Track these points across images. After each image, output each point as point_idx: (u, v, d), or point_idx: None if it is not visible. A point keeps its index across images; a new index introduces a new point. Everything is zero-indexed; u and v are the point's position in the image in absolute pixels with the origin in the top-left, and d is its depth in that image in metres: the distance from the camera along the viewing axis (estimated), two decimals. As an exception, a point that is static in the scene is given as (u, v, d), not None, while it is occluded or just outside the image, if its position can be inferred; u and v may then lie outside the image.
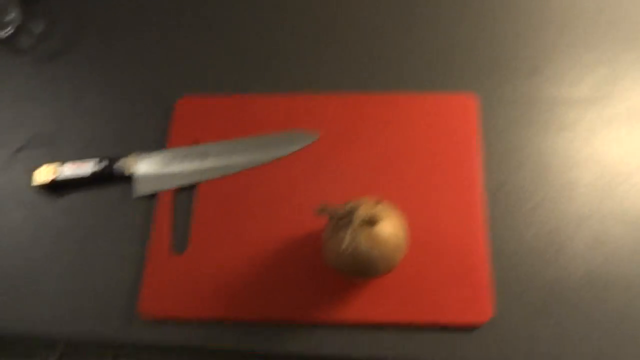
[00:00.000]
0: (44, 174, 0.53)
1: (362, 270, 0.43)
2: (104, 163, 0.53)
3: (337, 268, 0.44)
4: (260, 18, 0.61)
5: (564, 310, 0.46)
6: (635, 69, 0.55)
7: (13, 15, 0.62)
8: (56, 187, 0.53)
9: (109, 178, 0.53)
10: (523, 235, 0.49)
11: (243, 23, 0.61)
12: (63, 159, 0.54)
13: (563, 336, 0.46)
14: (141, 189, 0.52)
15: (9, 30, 0.63)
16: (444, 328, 0.46)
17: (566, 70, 0.56)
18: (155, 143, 0.55)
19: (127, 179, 0.53)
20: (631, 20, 0.58)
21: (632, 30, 0.57)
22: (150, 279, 0.49)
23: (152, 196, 0.53)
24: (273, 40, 0.60)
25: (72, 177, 0.52)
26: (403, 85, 0.57)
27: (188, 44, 0.61)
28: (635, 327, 0.46)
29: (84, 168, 0.53)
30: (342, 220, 0.42)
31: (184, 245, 0.51)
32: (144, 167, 0.53)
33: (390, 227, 0.42)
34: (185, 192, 0.53)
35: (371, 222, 0.41)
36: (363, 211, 0.41)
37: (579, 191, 0.51)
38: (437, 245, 0.49)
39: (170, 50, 0.60)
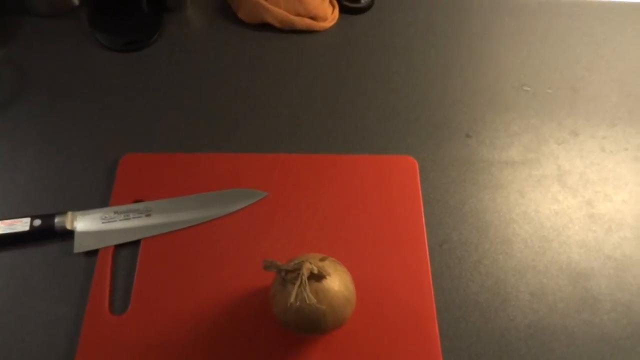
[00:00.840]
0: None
1: (310, 325, 0.42)
2: (40, 220, 0.50)
3: (286, 324, 0.43)
4: (207, 81, 0.63)
5: (512, 361, 0.47)
6: (557, 135, 0.61)
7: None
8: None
9: (47, 235, 0.50)
10: (469, 288, 0.51)
11: (189, 86, 0.63)
12: (-6, 216, 0.51)
13: (512, 389, 0.46)
14: (81, 245, 0.50)
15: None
16: None
17: (496, 136, 0.61)
18: (98, 200, 0.54)
19: (66, 236, 0.51)
20: (551, 93, 0.64)
21: (552, 102, 0.64)
22: (87, 341, 0.45)
23: (92, 253, 0.50)
24: (218, 101, 0.62)
25: (5, 234, 0.49)
26: (345, 148, 0.59)
27: (132, 102, 0.61)
28: (579, 377, 0.47)
29: (17, 225, 0.50)
30: (290, 275, 0.41)
31: (125, 306, 0.48)
32: (85, 223, 0.51)
33: (338, 282, 0.42)
34: (128, 249, 0.51)
35: (319, 276, 0.41)
36: (310, 266, 0.41)
37: (518, 245, 0.53)
38: (384, 301, 0.49)
39: (114, 108, 0.60)
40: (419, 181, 0.56)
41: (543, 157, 0.60)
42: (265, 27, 0.67)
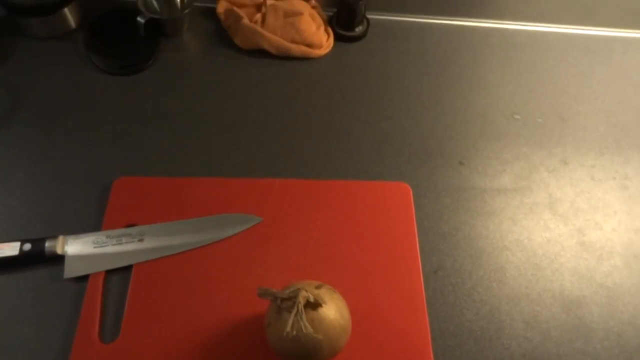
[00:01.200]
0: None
1: (306, 355, 0.41)
2: (30, 244, 0.49)
3: (280, 353, 0.42)
4: (202, 106, 0.64)
5: (507, 391, 0.47)
6: (547, 163, 0.62)
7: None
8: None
9: (37, 259, 0.49)
10: (463, 316, 0.50)
11: (184, 110, 0.63)
12: (-17, 240, 0.50)
13: (508, 420, 0.45)
14: (72, 270, 0.49)
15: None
16: None
17: (488, 163, 0.62)
18: (89, 225, 0.53)
19: (56, 261, 0.50)
20: (541, 122, 0.66)
21: (542, 131, 0.65)
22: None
23: (83, 279, 0.49)
24: (213, 126, 0.62)
25: (-8, 258, 0.48)
26: (339, 174, 0.59)
27: (126, 126, 0.61)
28: (575, 407, 0.47)
29: (6, 250, 0.49)
30: (285, 303, 0.41)
31: (115, 333, 0.47)
32: (76, 247, 0.50)
33: (334, 310, 0.42)
34: (119, 275, 0.50)
35: (315, 304, 0.41)
36: (307, 294, 0.41)
37: (511, 273, 0.54)
38: (379, 328, 0.49)
39: (108, 132, 0.60)
40: (413, 208, 0.56)
41: (534, 184, 0.60)
42: (261, 53, 0.68)
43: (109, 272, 0.50)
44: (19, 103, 0.62)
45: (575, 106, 0.68)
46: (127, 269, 0.50)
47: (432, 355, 0.47)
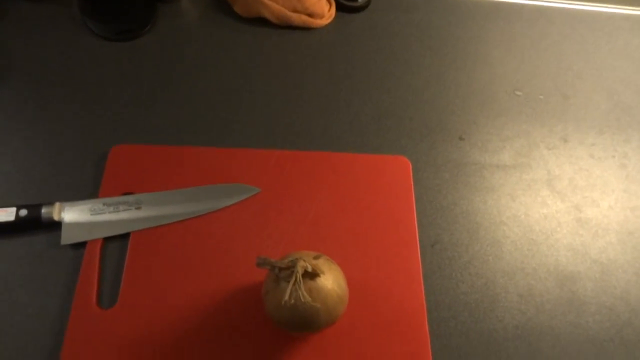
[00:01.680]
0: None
1: (303, 323, 0.42)
2: (27, 210, 0.49)
3: (278, 321, 0.42)
4: (200, 74, 0.63)
5: (500, 362, 0.47)
6: (547, 141, 0.62)
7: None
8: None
9: (34, 225, 0.49)
10: (458, 289, 0.51)
11: (181, 79, 0.62)
12: (-22, 205, 0.49)
13: (500, 389, 0.46)
14: (69, 237, 0.49)
15: None
16: None
17: (488, 139, 0.62)
18: (86, 192, 0.53)
19: (53, 227, 0.49)
20: (542, 99, 0.65)
21: (543, 108, 0.65)
22: (73, 335, 0.44)
23: (80, 245, 0.49)
24: (211, 95, 0.61)
25: (-12, 223, 0.48)
26: (339, 147, 0.59)
27: (122, 93, 0.60)
28: (565, 378, 0.48)
29: (2, 215, 0.48)
30: (283, 272, 0.41)
31: (113, 300, 0.47)
32: (73, 214, 0.50)
33: (332, 280, 0.42)
34: (117, 242, 0.50)
35: (313, 274, 0.41)
36: (305, 263, 0.41)
37: (507, 248, 0.54)
38: (375, 299, 0.49)
39: (104, 98, 0.59)
40: (412, 182, 0.56)
41: (534, 161, 0.60)
42: (261, 22, 0.67)
43: (107, 239, 0.50)
44: (12, 67, 0.60)
45: (578, 84, 0.67)
46: (125, 236, 0.50)
47: (427, 326, 0.48)
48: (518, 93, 0.66)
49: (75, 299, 0.46)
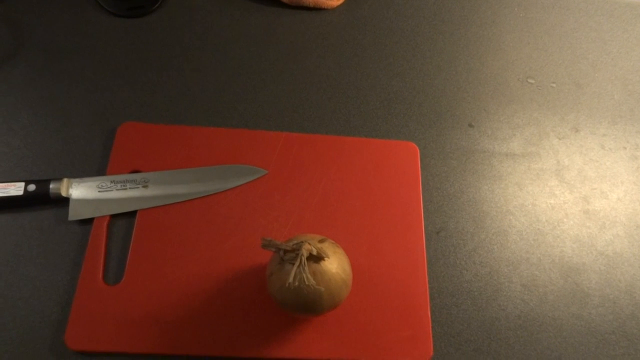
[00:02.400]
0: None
1: (307, 306, 0.42)
2: (35, 185, 0.49)
3: (281, 303, 0.43)
4: (210, 53, 0.62)
5: (502, 350, 0.48)
6: (558, 130, 0.61)
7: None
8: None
9: (41, 201, 0.49)
10: (462, 276, 0.51)
11: (192, 57, 0.62)
12: (-13, 179, 0.50)
13: (500, 377, 0.47)
14: (76, 213, 0.49)
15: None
16: None
17: (498, 127, 0.61)
18: (93, 168, 0.53)
19: (61, 203, 0.50)
20: (555, 87, 0.64)
21: (555, 96, 0.64)
22: (79, 309, 0.45)
23: (87, 222, 0.49)
24: (221, 75, 0.61)
25: (-3, 197, 0.48)
26: (347, 131, 0.59)
27: (132, 70, 0.60)
28: (565, 368, 0.48)
29: (11, 189, 0.49)
30: (288, 254, 0.41)
31: (119, 276, 0.47)
32: (81, 191, 0.50)
33: (336, 264, 0.42)
34: (124, 220, 0.50)
35: (318, 258, 0.41)
36: (310, 246, 0.41)
37: (513, 237, 0.54)
38: (379, 285, 0.49)
39: (113, 75, 0.59)
40: (419, 168, 0.56)
41: (543, 150, 0.60)
42: (272, 1, 0.66)
43: (114, 217, 0.50)
44: (21, 42, 0.60)
45: (591, 72, 0.66)
46: (132, 214, 0.51)
47: (429, 312, 0.48)
48: (530, 80, 0.65)
49: (82, 274, 0.47)
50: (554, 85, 0.65)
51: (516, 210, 0.56)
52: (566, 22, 0.70)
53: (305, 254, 0.40)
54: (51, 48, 0.60)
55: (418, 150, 0.57)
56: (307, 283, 0.39)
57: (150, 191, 0.51)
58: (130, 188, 0.51)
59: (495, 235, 0.54)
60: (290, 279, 0.39)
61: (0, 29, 0.61)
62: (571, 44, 0.68)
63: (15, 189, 0.49)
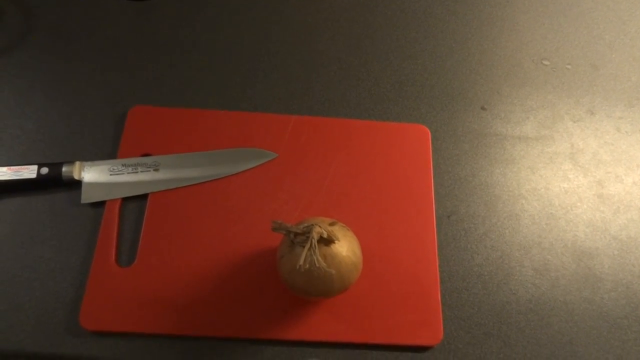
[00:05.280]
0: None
1: (317, 289, 0.42)
2: (48, 168, 0.50)
3: (291, 286, 0.43)
4: (220, 36, 0.62)
5: (512, 334, 0.48)
6: (573, 113, 0.60)
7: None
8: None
9: (54, 184, 0.50)
10: (473, 260, 0.51)
11: (202, 40, 0.61)
12: (1, 163, 0.50)
13: (510, 358, 0.47)
14: (88, 196, 0.50)
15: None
16: (395, 349, 0.46)
17: (511, 110, 0.60)
18: (105, 152, 0.53)
19: (73, 186, 0.50)
20: (570, 69, 0.63)
21: (570, 78, 0.62)
22: (93, 290, 0.46)
23: (99, 204, 0.50)
24: (231, 57, 0.60)
25: (12, 180, 0.49)
26: (357, 114, 0.58)
27: (142, 53, 0.59)
28: (578, 351, 0.48)
29: (24, 172, 0.49)
30: (299, 237, 0.41)
31: (132, 258, 0.48)
32: (93, 174, 0.50)
33: (346, 247, 0.42)
34: (136, 203, 0.51)
35: (328, 240, 0.41)
36: (320, 229, 0.41)
37: (525, 221, 0.53)
38: (389, 268, 0.49)
39: (124, 58, 0.59)
40: (430, 151, 0.55)
41: (557, 134, 0.59)
42: (282, -18, 0.65)
43: (125, 199, 0.51)
44: (31, 24, 0.60)
45: (608, 53, 0.65)
46: (143, 197, 0.51)
47: (439, 296, 0.48)
48: (545, 62, 0.63)
49: (95, 256, 0.47)
50: (569, 66, 0.63)
51: (528, 194, 0.55)
52: (583, 1, 0.68)
53: (316, 236, 0.40)
54: (62, 31, 0.60)
55: (429, 133, 0.56)
56: (317, 265, 0.39)
57: (162, 174, 0.52)
58: (141, 171, 0.51)
59: (507, 219, 0.53)
60: (301, 262, 0.39)
61: (12, 13, 0.61)
62: (587, 24, 0.67)
63: (28, 172, 0.50)
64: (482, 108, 0.60)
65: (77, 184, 0.50)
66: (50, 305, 0.46)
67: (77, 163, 0.51)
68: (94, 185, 0.50)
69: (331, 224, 0.43)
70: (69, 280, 0.47)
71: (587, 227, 0.54)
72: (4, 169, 0.49)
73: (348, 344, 0.46)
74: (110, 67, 0.58)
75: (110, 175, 0.51)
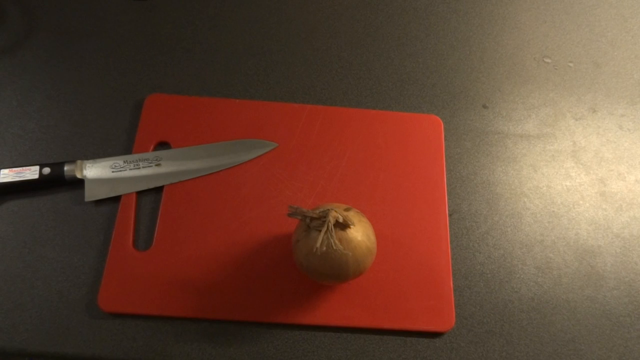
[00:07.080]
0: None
1: (332, 272, 0.42)
2: (50, 168, 0.50)
3: (307, 270, 0.43)
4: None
5: (514, 332, 0.48)
6: (575, 111, 0.60)
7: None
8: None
9: (57, 183, 0.50)
10: (475, 259, 0.51)
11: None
12: (3, 164, 0.51)
13: (512, 356, 0.47)
14: (92, 194, 0.50)
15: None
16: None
17: (513, 108, 0.60)
18: (112, 149, 0.53)
19: (76, 184, 0.51)
20: (572, 67, 0.63)
21: (572, 76, 0.62)
22: (111, 273, 0.47)
23: (104, 202, 0.50)
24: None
25: (14, 182, 0.49)
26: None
27: (147, 51, 0.60)
28: (581, 349, 0.48)
29: (26, 173, 0.49)
30: (315, 222, 0.41)
31: (149, 243, 0.49)
32: (95, 172, 0.51)
33: (361, 232, 0.42)
34: (152, 192, 0.51)
35: (344, 225, 0.41)
36: (336, 214, 0.41)
37: (527, 219, 0.53)
38: (402, 255, 0.50)
39: (129, 56, 0.59)
40: (443, 141, 0.55)
41: (559, 132, 0.59)
42: (283, -19, 0.65)
43: (140, 193, 0.51)
44: (33, 23, 0.60)
45: (610, 51, 0.64)
46: (159, 189, 0.51)
47: (452, 283, 0.48)
48: (547, 60, 0.63)
49: (112, 241, 0.48)
50: (571, 64, 0.63)
51: (530, 192, 0.55)
52: (585, -1, 0.68)
53: (332, 220, 0.40)
54: (64, 30, 0.60)
55: (442, 124, 0.56)
56: (334, 248, 0.39)
57: (164, 169, 0.52)
58: (143, 167, 0.52)
59: (509, 218, 0.53)
60: (318, 244, 0.39)
61: (14, 12, 0.61)
62: (589, 21, 0.67)
63: (30, 172, 0.50)
64: (484, 106, 0.60)
65: (79, 182, 0.50)
66: (53, 304, 0.46)
67: (79, 161, 0.51)
68: (96, 182, 0.50)
69: (346, 210, 0.43)
70: (72, 280, 0.47)
71: (590, 225, 0.54)
72: (6, 170, 0.49)
73: (362, 329, 0.47)
74: (113, 66, 0.58)
75: (112, 172, 0.51)
